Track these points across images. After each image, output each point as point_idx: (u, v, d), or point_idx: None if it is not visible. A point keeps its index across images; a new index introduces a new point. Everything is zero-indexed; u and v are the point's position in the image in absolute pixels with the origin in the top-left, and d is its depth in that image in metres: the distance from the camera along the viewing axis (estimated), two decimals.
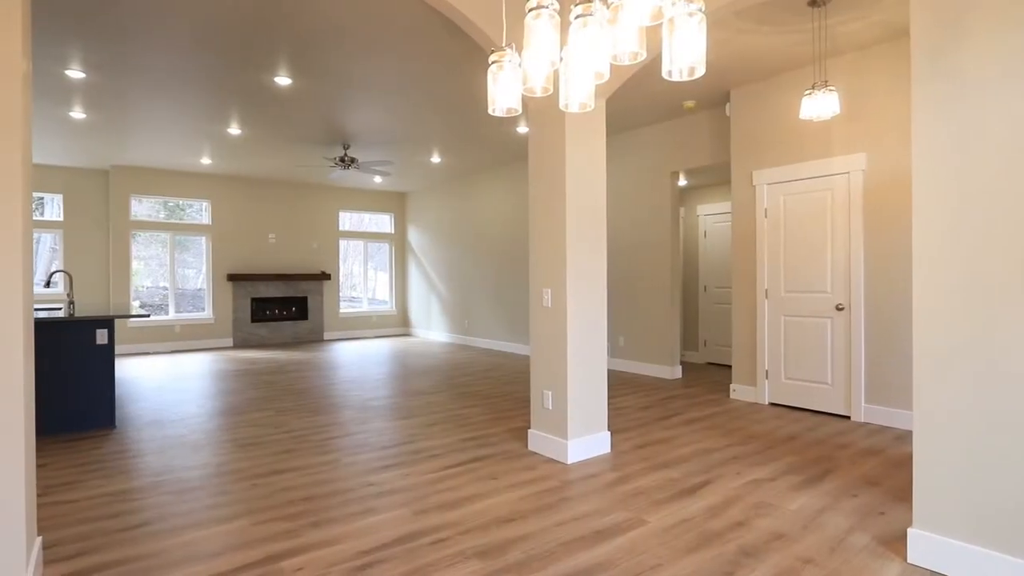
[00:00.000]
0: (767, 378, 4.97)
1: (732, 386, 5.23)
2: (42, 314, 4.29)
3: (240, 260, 9.69)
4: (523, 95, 3.10)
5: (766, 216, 4.97)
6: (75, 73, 4.69)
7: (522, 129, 6.64)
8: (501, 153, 7.86)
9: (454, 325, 9.93)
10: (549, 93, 1.70)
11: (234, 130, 6.49)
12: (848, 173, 4.43)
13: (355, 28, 3.99)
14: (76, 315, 4.17)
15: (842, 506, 2.78)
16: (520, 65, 1.69)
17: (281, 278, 9.87)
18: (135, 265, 9.05)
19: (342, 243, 10.92)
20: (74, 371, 4.15)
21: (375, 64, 4.61)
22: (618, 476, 3.20)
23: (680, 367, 6.40)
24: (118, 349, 8.61)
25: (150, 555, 2.32)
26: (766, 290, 4.97)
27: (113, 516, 2.69)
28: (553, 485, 3.07)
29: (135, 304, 9.04)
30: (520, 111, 1.70)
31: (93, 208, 8.82)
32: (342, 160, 7.29)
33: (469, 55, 4.48)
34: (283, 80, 4.91)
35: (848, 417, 4.47)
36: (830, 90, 3.54)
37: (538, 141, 3.66)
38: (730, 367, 7.04)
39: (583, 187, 3.55)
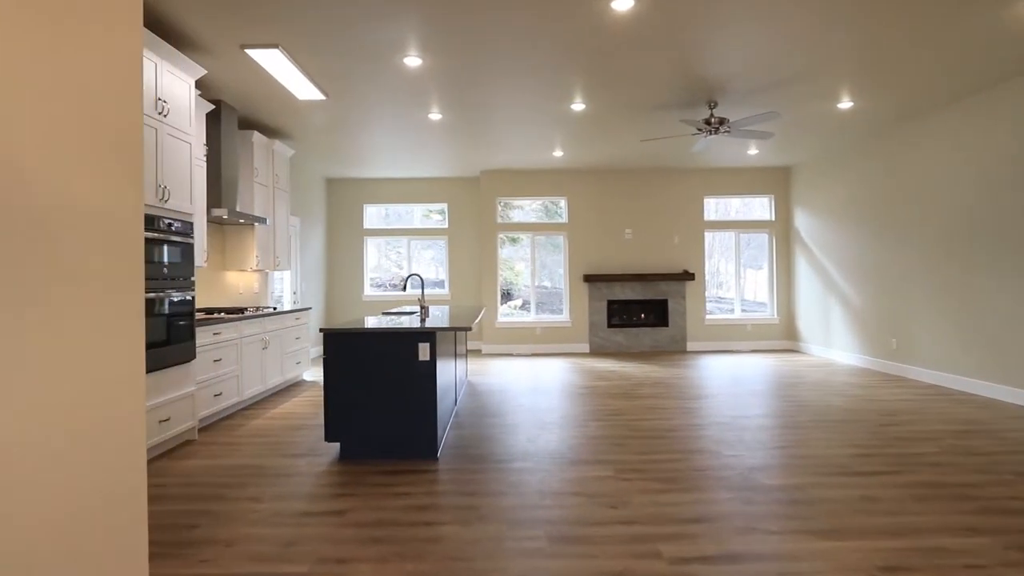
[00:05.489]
0: None
1: None
2: (385, 320, 3.98)
3: (595, 259, 8.96)
4: None
5: None
6: (412, 60, 4.31)
7: None
8: (970, 75, 4.75)
9: (870, 343, 6.96)
10: None
11: (578, 105, 5.49)
12: None
13: None
14: (401, 327, 3.64)
15: None
16: None
17: (638, 278, 8.73)
18: (518, 266, 9.26)
19: (708, 235, 9.11)
20: (393, 390, 3.63)
21: None
22: None
23: None
24: (485, 349, 8.89)
25: None
26: None
27: None
28: None
29: (511, 305, 9.27)
30: None
31: (469, 213, 9.38)
32: (707, 123, 5.54)
33: None
34: (622, 3, 3.49)
35: None
36: None
37: None
38: None
39: None
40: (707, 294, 9.11)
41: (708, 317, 9.01)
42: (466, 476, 3.30)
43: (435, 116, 5.77)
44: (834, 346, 7.71)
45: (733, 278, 9.20)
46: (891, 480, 3.14)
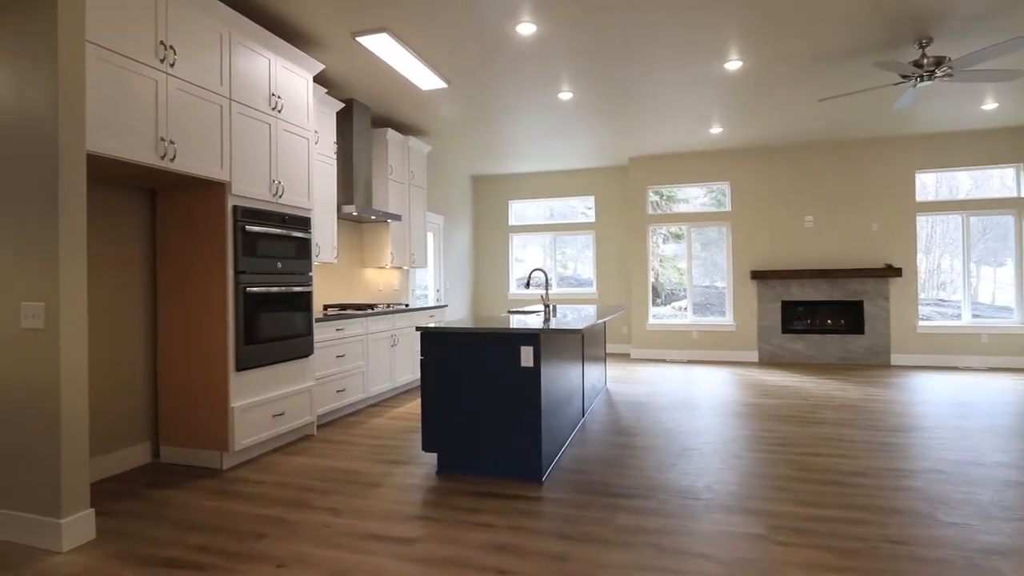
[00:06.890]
0: None
1: None
2: (532, 319, 3.55)
3: (766, 253, 7.64)
4: None
5: None
6: (526, 27, 3.82)
7: None
8: None
9: None
10: None
11: (733, 63, 4.52)
12: None
13: None
14: (502, 327, 3.17)
15: None
16: None
17: (822, 275, 7.23)
18: (681, 263, 8.36)
19: (921, 220, 7.23)
20: (492, 399, 3.16)
21: None
22: None
23: None
24: (634, 353, 8.07)
25: None
26: None
27: None
28: None
29: (675, 306, 8.34)
30: None
31: (619, 206, 8.65)
32: (917, 66, 4.19)
33: None
34: None
35: None
36: None
37: None
38: None
39: None
40: (922, 296, 7.23)
41: (922, 324, 7.13)
42: (568, 511, 2.70)
43: (565, 95, 5.22)
44: None
45: (960, 275, 7.18)
46: None
